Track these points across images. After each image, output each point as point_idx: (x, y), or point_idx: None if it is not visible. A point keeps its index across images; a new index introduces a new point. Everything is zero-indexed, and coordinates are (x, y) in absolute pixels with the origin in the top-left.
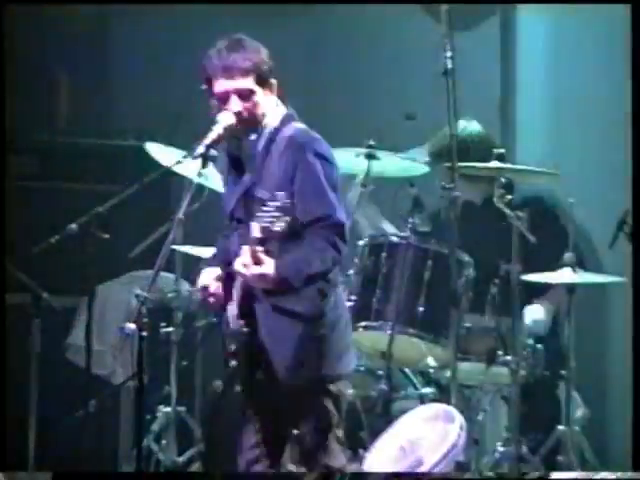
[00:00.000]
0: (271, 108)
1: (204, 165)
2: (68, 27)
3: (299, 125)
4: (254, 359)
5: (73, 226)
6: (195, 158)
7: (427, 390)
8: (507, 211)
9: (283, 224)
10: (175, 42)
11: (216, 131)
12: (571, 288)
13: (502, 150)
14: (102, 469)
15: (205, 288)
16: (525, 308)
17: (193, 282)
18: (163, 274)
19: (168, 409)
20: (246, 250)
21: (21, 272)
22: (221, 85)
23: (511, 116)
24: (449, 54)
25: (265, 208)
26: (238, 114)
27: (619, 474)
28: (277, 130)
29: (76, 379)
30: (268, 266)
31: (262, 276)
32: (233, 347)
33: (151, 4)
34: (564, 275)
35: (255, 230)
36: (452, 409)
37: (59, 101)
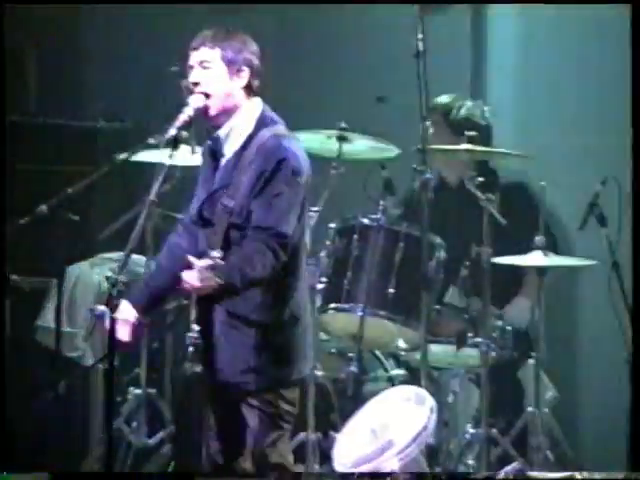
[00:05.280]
0: (242, 101)
1: (175, 147)
2: (39, 10)
3: (273, 131)
4: (208, 362)
5: (43, 207)
6: (167, 140)
7: (397, 372)
8: (478, 194)
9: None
10: (143, 27)
11: (186, 113)
12: (541, 271)
13: (473, 133)
14: (72, 452)
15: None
16: (511, 302)
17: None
18: (134, 256)
19: (138, 391)
20: (195, 264)
21: None
22: (189, 59)
23: (482, 98)
24: (420, 36)
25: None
26: (196, 85)
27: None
28: (251, 136)
29: (46, 361)
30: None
31: (208, 283)
32: (191, 349)
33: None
34: (534, 258)
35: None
36: (422, 391)
37: (29, 82)
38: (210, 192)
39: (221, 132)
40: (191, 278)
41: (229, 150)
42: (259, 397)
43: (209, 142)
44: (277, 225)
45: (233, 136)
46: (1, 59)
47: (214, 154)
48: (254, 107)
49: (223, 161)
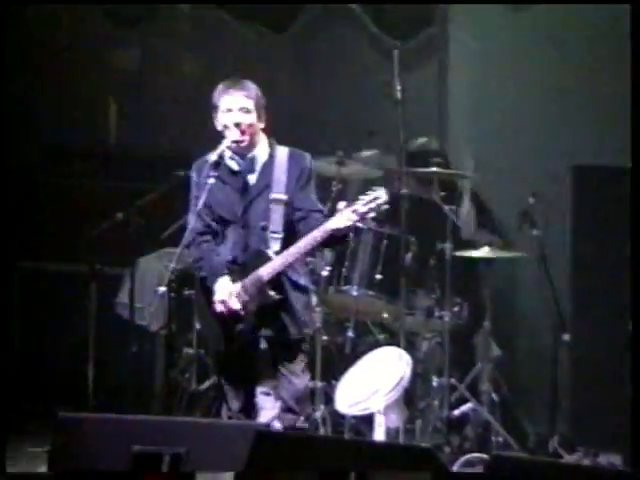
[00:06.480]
0: (260, 132)
1: (216, 168)
2: (117, 62)
3: (284, 148)
4: (269, 319)
5: (119, 215)
6: (211, 164)
7: (382, 336)
8: (442, 204)
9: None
10: (197, 77)
11: (225, 144)
12: (489, 262)
13: (439, 159)
14: (141, 395)
15: (224, 302)
16: None
17: None
18: (186, 250)
19: (191, 350)
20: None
21: (82, 248)
22: (227, 102)
23: (445, 133)
24: (399, 87)
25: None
26: (238, 125)
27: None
28: (272, 150)
29: (123, 328)
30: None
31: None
32: (253, 308)
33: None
34: (484, 252)
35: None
36: (401, 350)
37: (110, 122)
38: (252, 197)
39: (257, 154)
40: (337, 223)
41: (258, 165)
42: (304, 345)
43: (238, 163)
44: (322, 209)
45: (261, 156)
46: (1, 60)
47: (238, 172)
48: (264, 135)
49: (254, 174)
